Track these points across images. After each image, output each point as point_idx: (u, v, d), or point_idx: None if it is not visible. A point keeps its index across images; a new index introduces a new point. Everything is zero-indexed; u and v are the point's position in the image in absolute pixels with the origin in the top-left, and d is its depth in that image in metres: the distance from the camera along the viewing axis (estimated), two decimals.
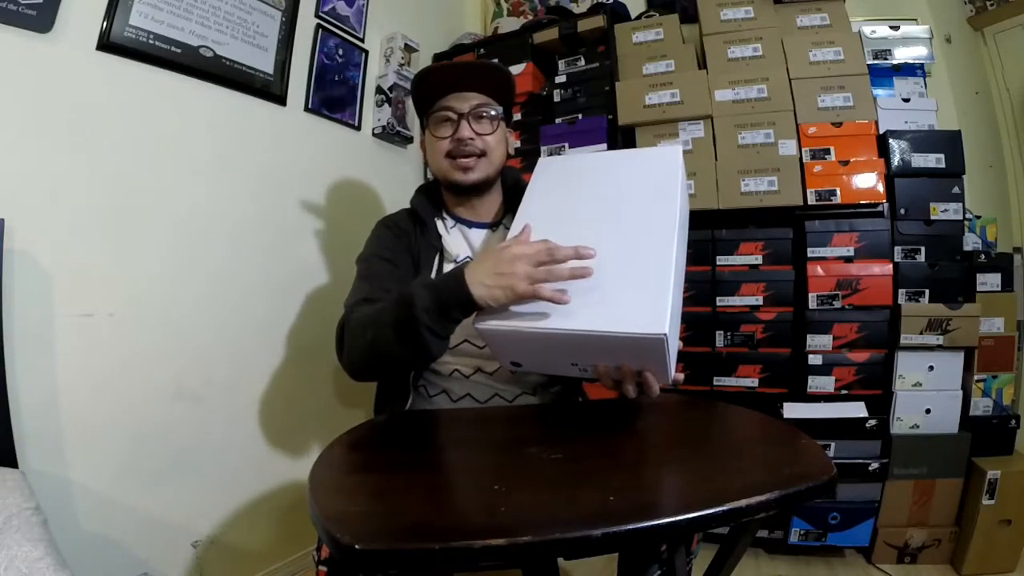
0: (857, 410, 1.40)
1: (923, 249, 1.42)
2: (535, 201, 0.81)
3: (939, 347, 1.36)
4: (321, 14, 1.54)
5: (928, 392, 1.39)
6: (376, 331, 0.71)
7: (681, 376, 0.67)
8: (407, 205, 0.98)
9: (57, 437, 1.00)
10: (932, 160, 1.41)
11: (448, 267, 0.89)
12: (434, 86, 0.89)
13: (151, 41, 1.14)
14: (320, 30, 1.53)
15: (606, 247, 0.67)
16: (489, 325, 0.65)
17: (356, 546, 0.38)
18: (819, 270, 1.44)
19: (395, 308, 0.69)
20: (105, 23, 1.06)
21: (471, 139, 0.87)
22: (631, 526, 0.40)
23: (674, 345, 0.63)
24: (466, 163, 0.88)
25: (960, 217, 1.41)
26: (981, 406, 1.39)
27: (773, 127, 1.52)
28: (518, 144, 1.78)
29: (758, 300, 1.49)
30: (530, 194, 0.82)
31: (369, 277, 0.86)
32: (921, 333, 1.36)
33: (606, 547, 0.40)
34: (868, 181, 1.43)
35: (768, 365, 1.48)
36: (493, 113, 0.89)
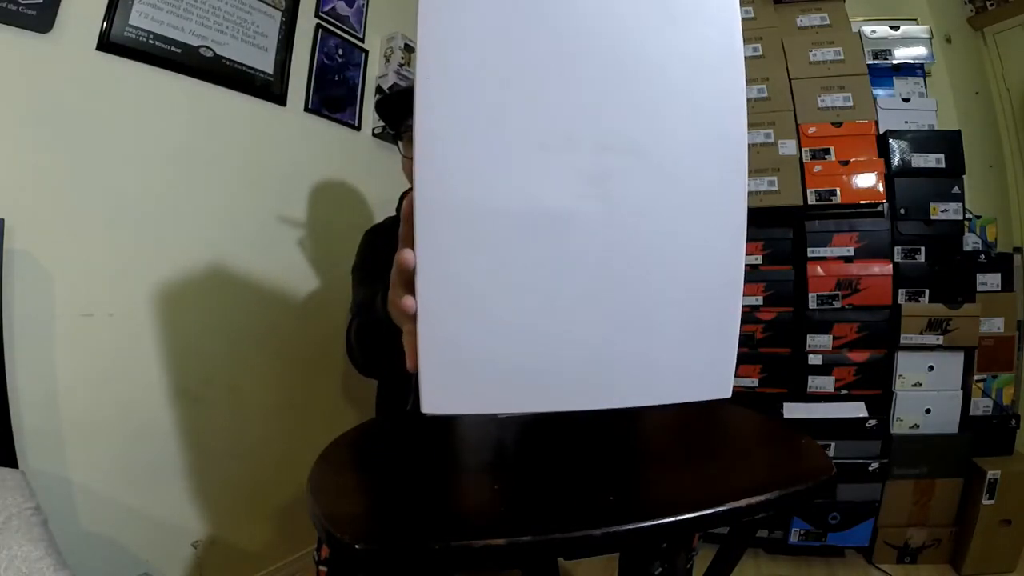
0: (857, 410, 1.40)
1: (923, 249, 1.42)
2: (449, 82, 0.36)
3: (939, 347, 1.36)
4: (321, 14, 1.54)
5: (928, 392, 1.39)
6: (365, 341, 0.75)
7: None
8: None
9: (57, 437, 1.00)
10: (932, 160, 1.41)
11: None
12: (397, 106, 0.92)
13: (151, 41, 1.14)
14: (320, 30, 1.53)
15: (615, 217, 0.38)
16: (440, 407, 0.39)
17: (356, 546, 0.38)
18: (819, 270, 1.44)
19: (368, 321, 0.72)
20: (105, 23, 1.06)
21: None
22: (631, 526, 0.40)
23: None
24: None
25: (960, 217, 1.41)
26: (981, 406, 1.39)
27: (773, 127, 1.51)
28: None
29: (758, 300, 1.49)
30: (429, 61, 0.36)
31: (365, 282, 0.90)
32: (921, 333, 1.36)
33: (606, 547, 0.40)
34: (868, 181, 1.43)
35: (768, 365, 1.48)
36: None
